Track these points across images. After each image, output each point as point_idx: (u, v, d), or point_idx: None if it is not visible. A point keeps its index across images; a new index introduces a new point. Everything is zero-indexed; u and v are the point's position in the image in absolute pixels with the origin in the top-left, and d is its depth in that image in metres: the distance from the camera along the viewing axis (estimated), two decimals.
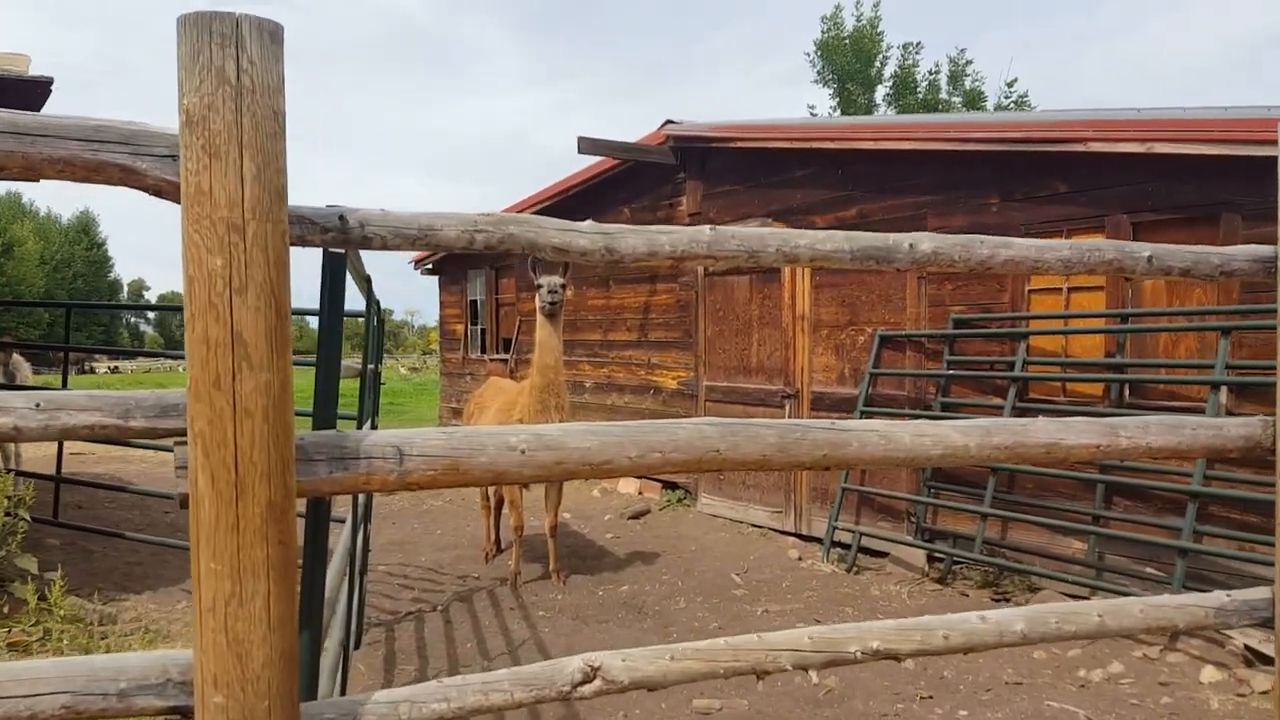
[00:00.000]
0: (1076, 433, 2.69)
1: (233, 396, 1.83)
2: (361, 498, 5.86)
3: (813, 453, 2.48)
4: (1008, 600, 6.65)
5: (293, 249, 2.10)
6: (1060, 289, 6.79)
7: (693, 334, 10.16)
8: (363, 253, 2.75)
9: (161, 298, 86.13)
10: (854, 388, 8.22)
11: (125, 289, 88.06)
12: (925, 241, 2.57)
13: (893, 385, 7.92)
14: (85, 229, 71.96)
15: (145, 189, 1.95)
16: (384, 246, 2.14)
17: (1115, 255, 2.74)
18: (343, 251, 2.23)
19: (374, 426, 5.92)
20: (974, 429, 2.60)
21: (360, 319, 4.93)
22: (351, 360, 6.61)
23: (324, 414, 2.21)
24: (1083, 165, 6.55)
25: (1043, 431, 2.66)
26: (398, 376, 37.81)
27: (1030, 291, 6.96)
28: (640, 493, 10.85)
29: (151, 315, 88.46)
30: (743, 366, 9.50)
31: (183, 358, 1.89)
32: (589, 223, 2.32)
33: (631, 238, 2.33)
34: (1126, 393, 6.42)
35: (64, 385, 7.46)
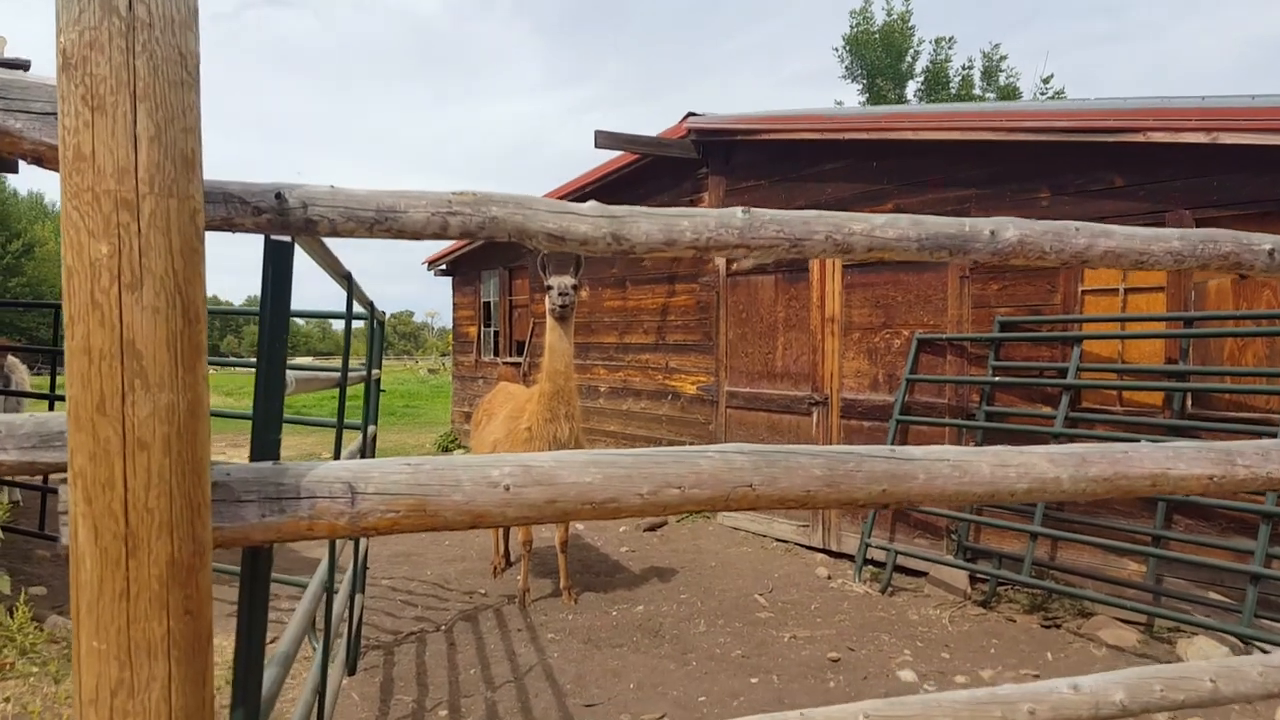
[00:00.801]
0: (1187, 461, 2.21)
1: (122, 424, 1.40)
2: None
3: (868, 488, 2.03)
4: (1058, 626, 6.16)
5: (218, 234, 1.68)
6: (1117, 290, 6.29)
7: (713, 337, 9.69)
8: (341, 245, 2.32)
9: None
10: (888, 394, 7.73)
11: None
12: (1009, 228, 2.10)
13: (931, 392, 7.43)
14: None
15: (23, 156, 1.53)
16: (333, 232, 1.70)
17: (1232, 248, 2.27)
18: (289, 240, 1.79)
19: (373, 437, 5.50)
20: (1067, 458, 2.13)
21: (355, 322, 4.52)
22: (312, 366, 6.12)
23: (263, 440, 1.77)
24: (1142, 157, 6.05)
25: (1148, 460, 2.18)
26: (417, 379, 37.55)
27: (1084, 292, 6.46)
28: None
29: None
30: (767, 371, 9.02)
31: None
32: (591, 204, 1.88)
33: (644, 222, 1.89)
34: (1189, 402, 5.91)
35: (51, 389, 7.11)
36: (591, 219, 1.85)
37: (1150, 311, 6.13)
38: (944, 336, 7.26)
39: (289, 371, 1.91)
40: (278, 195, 1.64)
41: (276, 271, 1.80)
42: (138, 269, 1.40)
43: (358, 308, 4.37)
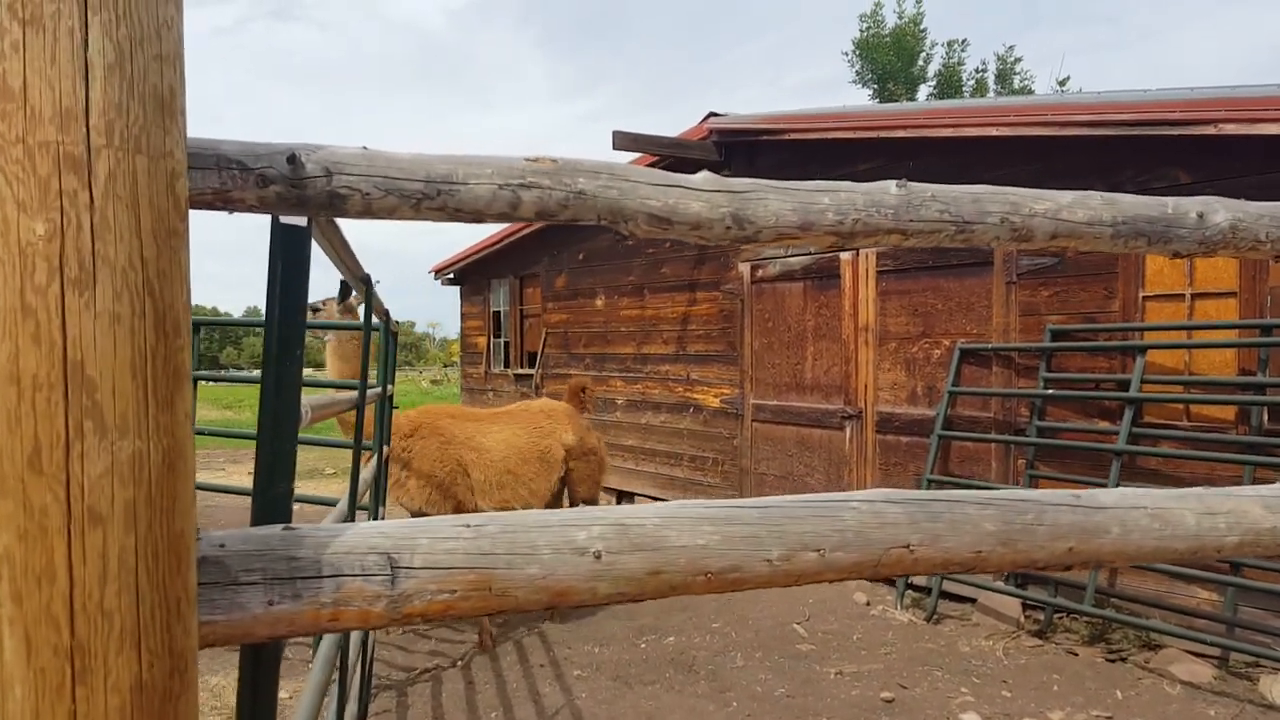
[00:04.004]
0: None
1: (66, 487, 0.95)
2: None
3: (1051, 545, 1.58)
4: (1124, 659, 5.69)
5: (208, 214, 1.22)
6: (1183, 295, 5.83)
7: (737, 347, 9.23)
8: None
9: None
10: (928, 408, 7.27)
11: None
12: (1218, 211, 1.65)
13: (976, 406, 6.97)
14: None
15: None
16: (367, 211, 1.25)
17: None
18: (305, 223, 1.34)
19: (388, 459, 5.03)
20: None
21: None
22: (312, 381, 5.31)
23: (270, 495, 1.32)
24: (1211, 151, 5.60)
25: None
26: (419, 390, 37.13)
27: (1145, 298, 6.00)
28: None
29: None
30: (795, 383, 8.56)
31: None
32: (705, 175, 1.42)
33: (774, 200, 1.43)
34: (1266, 418, 5.45)
35: None
36: (707, 194, 1.40)
37: (1221, 319, 5.66)
38: (989, 346, 6.80)
39: (303, 397, 1.46)
40: (291, 159, 1.18)
41: (289, 265, 1.34)
42: (89, 259, 0.95)
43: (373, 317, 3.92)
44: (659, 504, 1.42)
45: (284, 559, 1.18)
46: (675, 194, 1.37)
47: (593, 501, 6.56)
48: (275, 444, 1.34)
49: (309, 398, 1.57)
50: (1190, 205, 1.62)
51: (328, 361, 5.93)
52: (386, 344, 4.03)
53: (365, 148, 1.24)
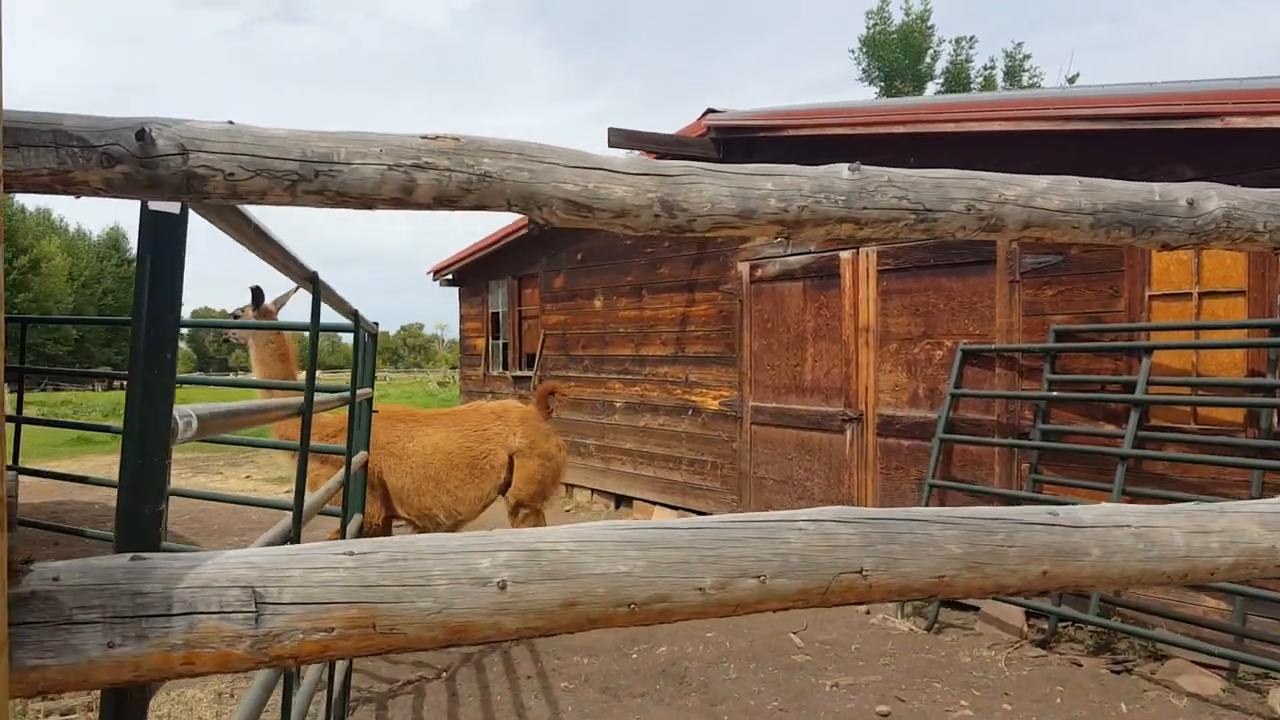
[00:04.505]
0: None
1: None
2: (351, 526, 4.84)
3: (1024, 569, 1.42)
4: (1129, 671, 5.50)
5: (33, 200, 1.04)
6: (1190, 294, 5.64)
7: (736, 348, 9.06)
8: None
9: (194, 313, 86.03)
10: (930, 410, 7.09)
11: None
12: (1211, 197, 1.49)
13: (979, 408, 6.79)
14: (115, 245, 71.71)
15: None
16: (233, 194, 1.09)
17: None
18: (177, 209, 1.18)
19: (362, 463, 4.89)
20: None
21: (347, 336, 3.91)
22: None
23: (134, 515, 1.17)
24: (1217, 145, 5.41)
25: None
26: (425, 392, 37.06)
27: (1151, 297, 5.82)
28: None
29: (185, 330, 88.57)
30: (795, 385, 8.39)
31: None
32: (634, 157, 1.27)
33: (709, 185, 1.28)
34: (1276, 420, 5.26)
35: (19, 411, 6.53)
36: (632, 178, 1.24)
37: (1229, 318, 5.48)
38: (992, 347, 6.62)
39: (186, 408, 1.31)
40: (140, 134, 1.03)
41: (160, 258, 1.19)
42: None
43: (338, 318, 3.78)
44: (578, 525, 1.27)
45: (128, 594, 1.03)
46: (596, 177, 1.22)
47: (530, 506, 6.37)
48: (142, 458, 1.19)
49: (200, 409, 1.41)
50: (1180, 192, 1.46)
51: (252, 365, 5.83)
52: (359, 347, 3.89)
53: (231, 122, 1.09)
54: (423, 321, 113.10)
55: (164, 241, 1.20)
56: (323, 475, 5.81)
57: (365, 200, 1.13)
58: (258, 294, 5.62)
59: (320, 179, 1.09)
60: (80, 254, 66.02)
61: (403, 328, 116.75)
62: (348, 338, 4.68)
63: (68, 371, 24.91)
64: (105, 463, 15.24)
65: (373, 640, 1.12)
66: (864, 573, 1.34)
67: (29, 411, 28.22)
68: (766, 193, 1.28)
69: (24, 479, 5.99)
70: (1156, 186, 1.47)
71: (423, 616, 1.13)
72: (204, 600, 1.05)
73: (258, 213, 1.61)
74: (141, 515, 1.19)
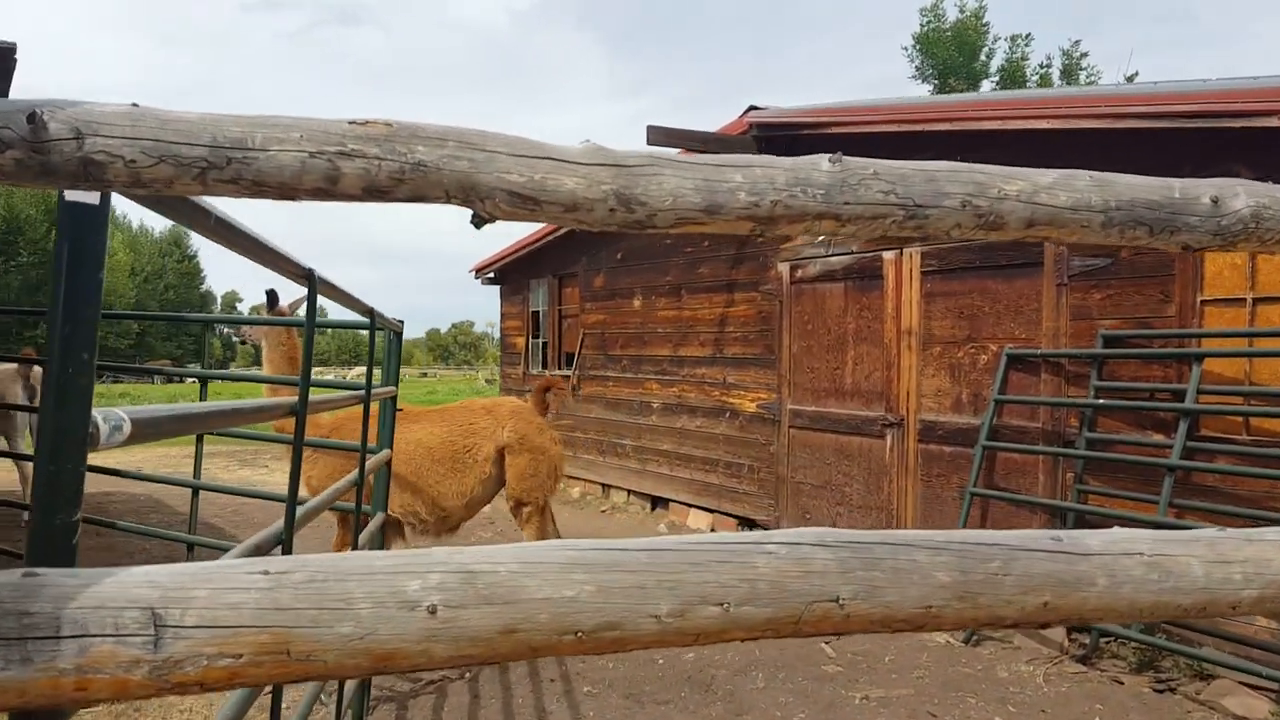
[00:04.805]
0: None
1: None
2: (373, 523, 4.79)
3: (1022, 600, 1.30)
4: (1173, 690, 5.28)
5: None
6: (1244, 300, 5.40)
7: (775, 350, 8.91)
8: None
9: (253, 310, 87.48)
10: (974, 416, 6.89)
11: (219, 301, 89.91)
12: (1239, 196, 1.35)
13: (1024, 415, 6.58)
14: (177, 242, 73.12)
15: None
16: (136, 182, 1.01)
17: None
18: (96, 200, 1.11)
19: (385, 461, 4.84)
20: None
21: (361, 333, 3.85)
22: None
23: (47, 526, 1.09)
24: (1274, 144, 5.18)
25: None
26: (472, 389, 37.32)
27: (1203, 302, 5.58)
28: (712, 529, 9.61)
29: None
30: (835, 388, 8.22)
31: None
32: (583, 145, 1.17)
33: (670, 177, 1.17)
34: None
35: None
36: (585, 168, 1.14)
37: None
38: (1038, 352, 6.41)
39: (107, 412, 1.23)
40: (31, 118, 0.95)
41: (78, 251, 1.11)
42: None
43: (350, 315, 3.72)
44: (521, 545, 1.17)
45: (14, 614, 0.95)
46: (544, 167, 1.12)
47: (529, 503, 6.22)
48: (56, 465, 1.11)
49: (132, 412, 1.33)
50: (1203, 188, 1.33)
51: (265, 365, 5.97)
52: (372, 344, 3.83)
53: (136, 104, 1.01)
54: (474, 319, 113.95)
55: (83, 234, 1.12)
56: (331, 474, 5.80)
57: (285, 190, 1.04)
58: (272, 296, 5.77)
59: (233, 166, 1.01)
60: (142, 250, 67.44)
61: (454, 325, 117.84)
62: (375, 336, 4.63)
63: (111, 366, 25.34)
64: (156, 455, 15.47)
65: (288, 668, 1.03)
66: (840, 602, 1.22)
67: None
68: (735, 186, 1.17)
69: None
70: (1177, 183, 1.33)
71: (343, 643, 1.04)
72: (97, 622, 0.97)
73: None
74: (52, 527, 1.11)
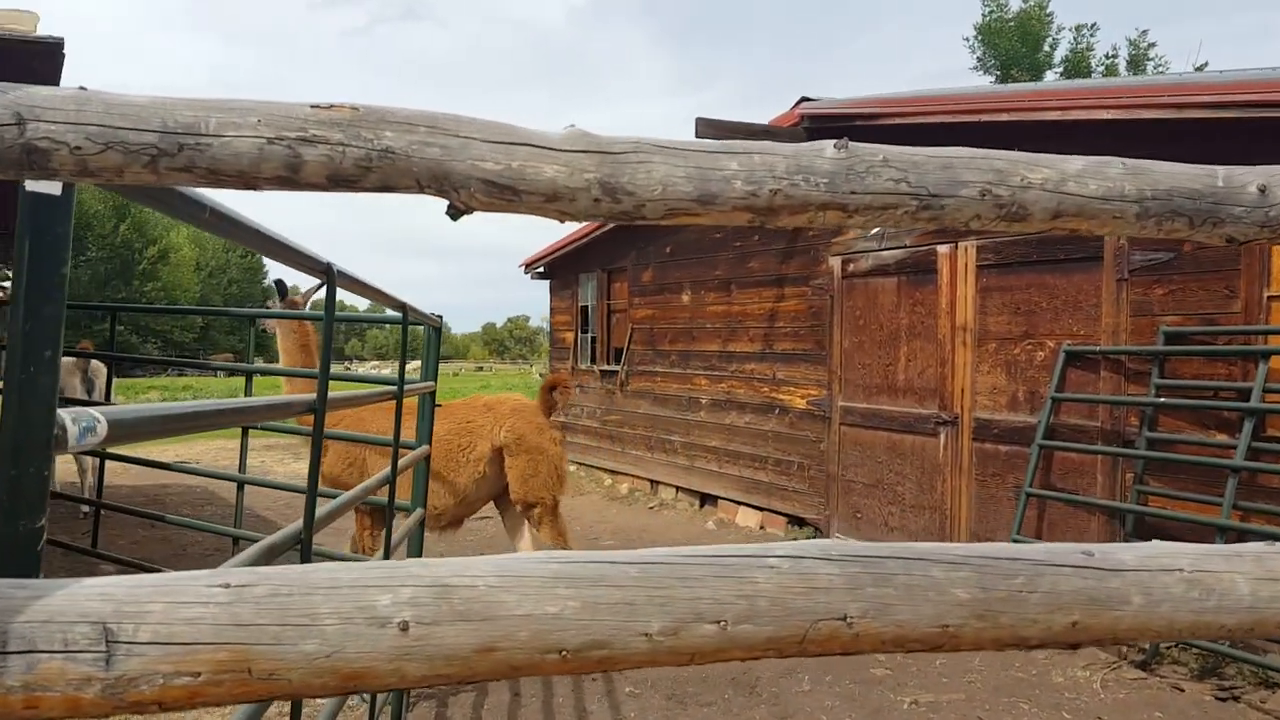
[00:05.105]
0: None
1: None
2: (411, 519, 4.77)
3: (1049, 619, 1.20)
4: (1236, 699, 5.07)
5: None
6: None
7: (826, 346, 8.76)
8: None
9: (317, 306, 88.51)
10: (1030, 415, 6.70)
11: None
12: None
13: (1082, 413, 6.38)
14: None
15: None
16: (83, 170, 0.96)
17: None
18: (58, 191, 1.06)
19: (423, 457, 4.82)
20: None
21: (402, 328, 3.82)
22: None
23: (6, 533, 1.05)
24: None
25: None
26: (526, 384, 37.52)
27: (1270, 298, 5.35)
28: (762, 526, 9.50)
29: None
30: (887, 385, 8.06)
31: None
32: (565, 130, 1.09)
33: (662, 166, 1.09)
34: None
35: (107, 398, 6.70)
36: (566, 155, 1.06)
37: None
38: (1097, 349, 6.21)
39: (78, 413, 1.19)
40: None
41: (40, 245, 1.07)
42: None
43: (371, 308, 3.69)
44: (501, 558, 1.10)
45: None
46: (522, 154, 1.05)
47: (536, 504, 6.07)
48: (16, 469, 1.07)
49: (104, 412, 1.28)
50: (1249, 177, 1.22)
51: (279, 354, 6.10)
52: (405, 338, 3.81)
53: (83, 88, 0.96)
54: (530, 314, 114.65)
55: (45, 227, 1.07)
56: (342, 460, 5.81)
57: (245, 179, 0.98)
58: (281, 287, 5.96)
59: (185, 154, 0.95)
60: (206, 245, 68.80)
61: (509, 319, 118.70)
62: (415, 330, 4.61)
63: (144, 359, 25.86)
64: (215, 447, 15.74)
65: (250, 687, 0.98)
66: (848, 620, 1.14)
67: (152, 397, 29.43)
68: (730, 174, 1.09)
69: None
70: (1221, 170, 1.22)
71: (308, 661, 0.98)
72: (46, 637, 0.92)
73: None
74: (15, 534, 1.06)
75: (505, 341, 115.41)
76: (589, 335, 13.28)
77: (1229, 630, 1.25)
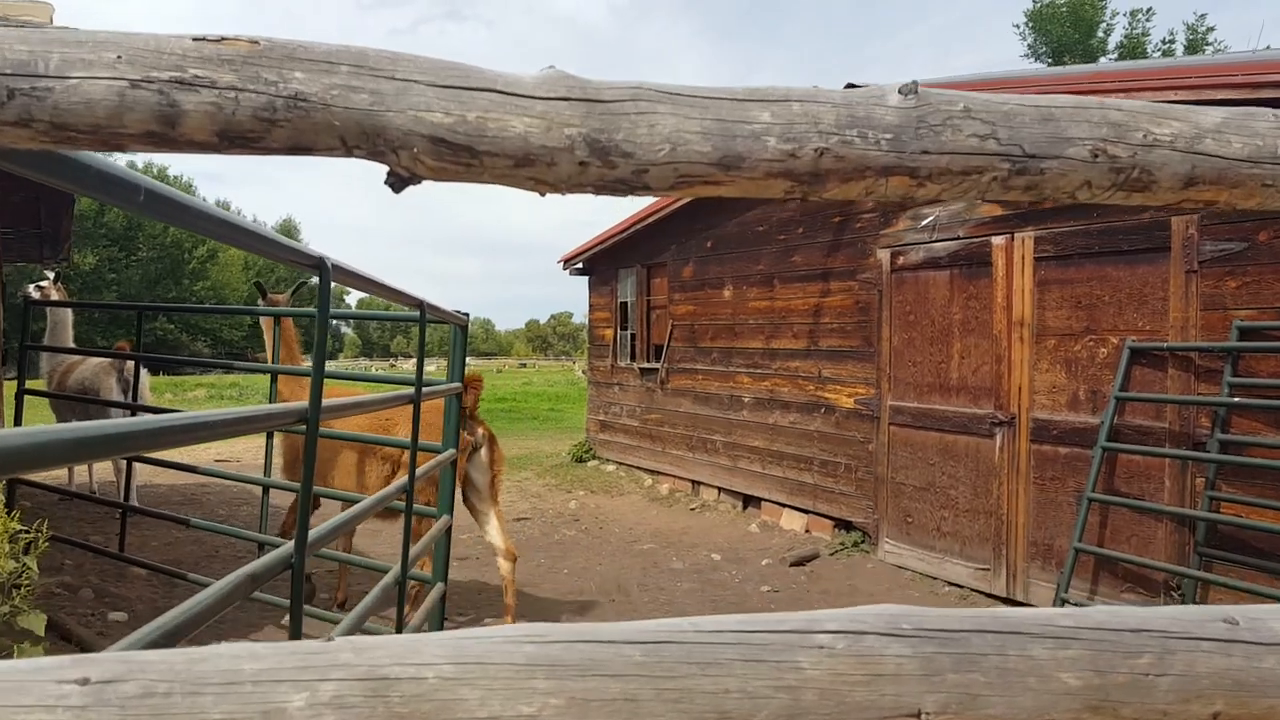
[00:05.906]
0: None
1: None
2: (438, 526, 4.55)
3: (1183, 709, 0.92)
4: None
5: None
6: None
7: (874, 342, 8.41)
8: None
9: (360, 304, 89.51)
10: (1091, 415, 6.33)
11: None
12: None
13: (1148, 414, 6.00)
14: (287, 234, 75.30)
15: None
16: None
17: None
18: None
19: (449, 460, 4.59)
20: None
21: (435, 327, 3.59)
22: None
23: None
24: None
25: None
26: (567, 380, 37.41)
27: None
28: (807, 529, 9.17)
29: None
30: (939, 384, 7.71)
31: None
32: (549, 72, 0.83)
33: (669, 118, 0.82)
34: None
35: (133, 396, 6.56)
36: (542, 105, 0.80)
37: None
38: (1164, 346, 5.83)
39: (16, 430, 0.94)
40: None
41: None
42: None
43: (378, 307, 3.46)
44: (460, 636, 0.84)
45: None
46: (482, 103, 0.78)
47: (475, 505, 5.75)
48: None
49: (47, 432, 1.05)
50: None
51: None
52: (422, 335, 3.58)
53: None
54: (573, 310, 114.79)
55: None
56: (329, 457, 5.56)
57: (103, 136, 0.72)
58: (260, 287, 6.25)
59: (18, 101, 0.70)
60: None
61: (552, 316, 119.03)
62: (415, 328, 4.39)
63: (168, 359, 26.06)
64: (255, 446, 15.68)
65: None
66: (924, 717, 0.86)
67: (198, 393, 29.66)
68: (762, 128, 0.82)
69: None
70: None
71: None
72: None
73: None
74: None
75: (549, 338, 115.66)
76: (628, 332, 13.02)
77: None
